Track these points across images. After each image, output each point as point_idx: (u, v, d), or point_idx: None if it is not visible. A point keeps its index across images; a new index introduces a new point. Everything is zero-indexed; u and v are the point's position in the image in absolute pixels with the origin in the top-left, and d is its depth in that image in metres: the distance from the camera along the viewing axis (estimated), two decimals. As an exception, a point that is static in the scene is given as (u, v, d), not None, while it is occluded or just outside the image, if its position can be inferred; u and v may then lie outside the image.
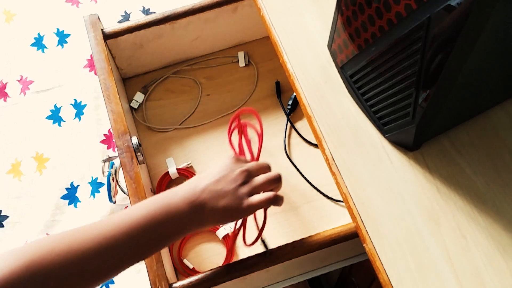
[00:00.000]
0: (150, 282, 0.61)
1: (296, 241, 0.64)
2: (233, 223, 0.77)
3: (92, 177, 0.93)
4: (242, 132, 0.69)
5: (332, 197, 0.80)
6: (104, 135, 0.97)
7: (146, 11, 1.13)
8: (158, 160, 0.85)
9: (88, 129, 0.98)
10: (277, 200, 0.59)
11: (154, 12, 1.10)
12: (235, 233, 0.66)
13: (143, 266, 0.63)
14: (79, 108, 1.01)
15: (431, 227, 0.47)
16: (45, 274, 0.46)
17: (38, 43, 1.10)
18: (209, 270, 0.63)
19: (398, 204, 0.49)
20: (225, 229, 0.77)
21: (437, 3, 0.37)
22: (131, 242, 0.50)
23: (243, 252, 0.77)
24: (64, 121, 1.00)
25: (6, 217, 0.91)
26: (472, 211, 0.48)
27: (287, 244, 0.64)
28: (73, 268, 0.47)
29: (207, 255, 0.77)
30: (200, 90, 0.92)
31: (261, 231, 0.64)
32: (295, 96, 0.88)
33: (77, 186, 0.93)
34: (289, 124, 0.87)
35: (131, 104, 0.90)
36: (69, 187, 0.93)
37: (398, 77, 0.46)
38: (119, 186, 0.80)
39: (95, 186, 0.93)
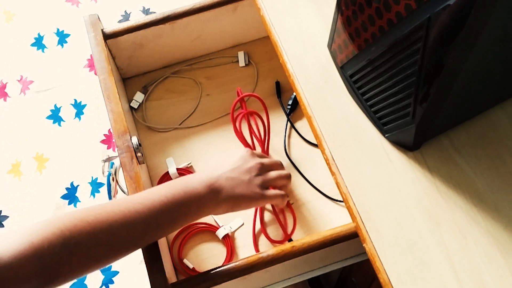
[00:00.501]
0: (150, 282, 0.61)
1: (296, 241, 0.64)
2: (233, 223, 0.78)
3: (92, 177, 0.94)
4: (250, 120, 0.70)
5: (332, 197, 0.80)
6: (104, 135, 0.97)
7: (146, 11, 1.13)
8: (158, 160, 0.85)
9: (88, 129, 0.98)
10: (284, 200, 0.65)
11: (154, 12, 1.10)
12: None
13: (143, 266, 0.63)
14: (79, 108, 1.01)
15: (431, 227, 0.47)
16: (76, 241, 0.49)
17: (38, 43, 1.10)
18: (209, 270, 0.63)
19: (398, 204, 0.49)
20: (225, 229, 0.77)
21: (437, 3, 0.37)
22: (153, 218, 0.54)
23: (243, 252, 0.77)
24: (64, 121, 1.00)
25: (6, 217, 0.91)
26: (472, 210, 0.48)
27: (287, 244, 0.64)
28: (101, 236, 0.51)
29: (207, 255, 0.77)
30: (200, 90, 0.92)
31: (293, 230, 0.67)
32: (295, 96, 0.88)
33: (77, 186, 0.93)
34: (289, 124, 0.87)
35: (131, 104, 0.90)
36: (69, 187, 0.93)
37: (398, 77, 0.46)
38: (119, 186, 0.80)
39: (95, 186, 0.93)
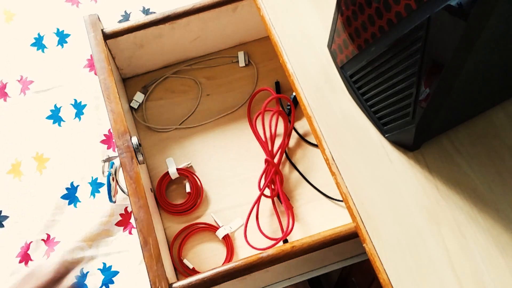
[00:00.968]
0: (150, 282, 0.61)
1: (296, 241, 0.64)
2: (233, 223, 0.78)
3: (92, 177, 0.93)
4: (278, 118, 0.69)
5: (332, 197, 0.80)
6: (104, 135, 0.97)
7: (146, 11, 1.13)
8: (158, 160, 0.85)
9: (88, 129, 0.98)
10: None
11: (154, 12, 1.10)
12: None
13: (143, 266, 0.63)
14: (79, 108, 1.01)
15: (431, 227, 0.47)
16: None
17: (38, 43, 1.10)
18: (209, 270, 0.63)
19: (398, 204, 0.49)
20: (225, 229, 0.77)
21: (437, 3, 0.37)
22: None
23: (243, 252, 0.77)
24: (64, 121, 0.99)
25: (6, 217, 0.91)
26: (472, 210, 0.48)
27: (287, 244, 0.64)
28: None
29: (207, 255, 0.77)
30: (200, 90, 0.92)
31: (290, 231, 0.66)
32: (295, 96, 0.88)
33: (77, 186, 0.93)
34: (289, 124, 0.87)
35: (131, 104, 0.90)
36: (69, 187, 0.93)
37: (398, 77, 0.46)
38: (119, 186, 0.80)
39: (95, 186, 0.92)
